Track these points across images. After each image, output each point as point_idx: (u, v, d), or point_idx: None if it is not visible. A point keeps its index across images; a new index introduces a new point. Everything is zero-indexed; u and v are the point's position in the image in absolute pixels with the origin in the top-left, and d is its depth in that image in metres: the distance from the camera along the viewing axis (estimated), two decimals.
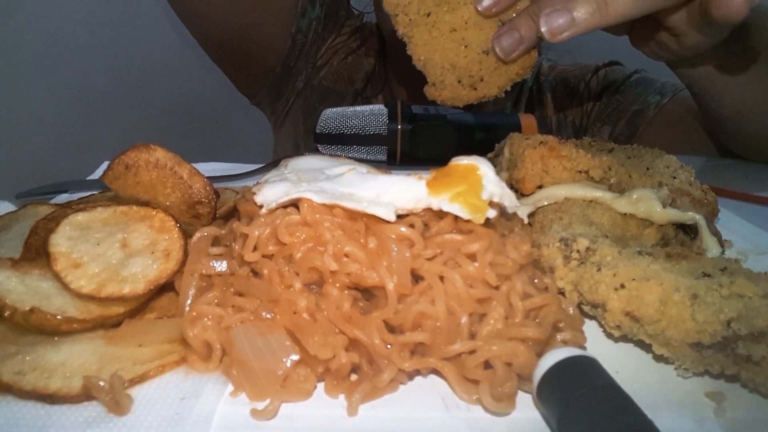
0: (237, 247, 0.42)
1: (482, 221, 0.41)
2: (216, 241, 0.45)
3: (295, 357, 0.36)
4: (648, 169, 0.55)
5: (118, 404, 0.34)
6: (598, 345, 0.41)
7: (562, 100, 1.14)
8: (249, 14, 0.99)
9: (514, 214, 0.49)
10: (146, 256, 0.43)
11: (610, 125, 1.07)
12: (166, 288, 0.43)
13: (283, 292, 0.39)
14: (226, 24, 1.00)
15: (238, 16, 0.99)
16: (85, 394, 0.34)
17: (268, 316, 0.38)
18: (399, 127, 0.74)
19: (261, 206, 0.44)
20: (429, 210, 0.42)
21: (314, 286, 0.40)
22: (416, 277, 0.39)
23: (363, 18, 1.18)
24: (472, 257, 0.40)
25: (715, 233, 0.51)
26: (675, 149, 0.70)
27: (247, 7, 0.98)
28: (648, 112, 1.02)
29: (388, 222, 0.40)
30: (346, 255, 0.39)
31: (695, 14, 0.60)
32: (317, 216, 0.41)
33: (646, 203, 0.50)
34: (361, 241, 0.40)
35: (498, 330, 0.37)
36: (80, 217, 0.44)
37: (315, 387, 0.37)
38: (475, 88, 0.64)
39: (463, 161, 0.45)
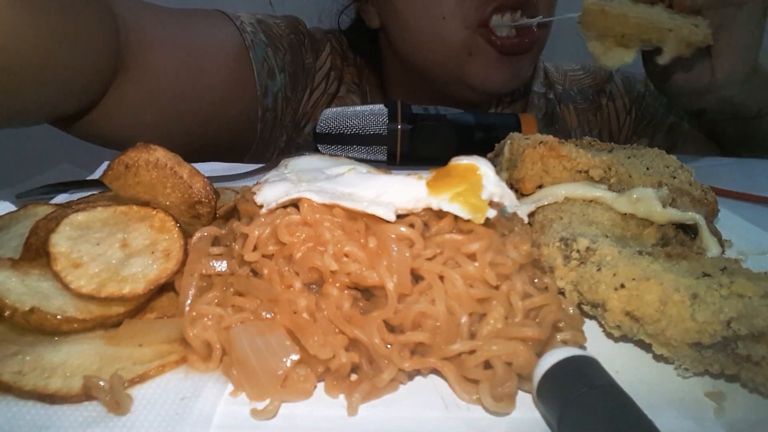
0: (237, 247, 0.42)
1: (482, 221, 0.41)
2: (216, 241, 0.45)
3: (295, 357, 0.36)
4: (648, 169, 0.55)
5: (118, 404, 0.34)
6: (598, 345, 0.41)
7: (585, 112, 1.13)
8: (210, 125, 0.88)
9: (514, 214, 0.49)
10: (146, 256, 0.43)
11: (647, 137, 1.09)
12: (166, 288, 0.43)
13: (283, 292, 0.39)
14: (193, 139, 0.87)
15: (201, 130, 0.87)
16: (85, 394, 0.34)
17: (268, 316, 0.38)
18: (399, 127, 0.74)
19: (261, 206, 0.44)
20: (429, 210, 0.42)
21: (314, 286, 0.40)
22: (416, 277, 0.39)
23: (326, 45, 1.05)
24: (472, 257, 0.40)
25: (715, 233, 0.51)
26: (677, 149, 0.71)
27: (208, 119, 0.87)
28: (682, 124, 1.05)
29: (388, 222, 0.40)
30: (346, 255, 0.39)
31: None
32: (317, 216, 0.41)
33: (646, 203, 0.50)
34: (361, 240, 0.40)
35: (498, 330, 0.37)
36: (80, 217, 0.44)
37: (315, 387, 0.37)
38: None
39: (463, 161, 0.45)
